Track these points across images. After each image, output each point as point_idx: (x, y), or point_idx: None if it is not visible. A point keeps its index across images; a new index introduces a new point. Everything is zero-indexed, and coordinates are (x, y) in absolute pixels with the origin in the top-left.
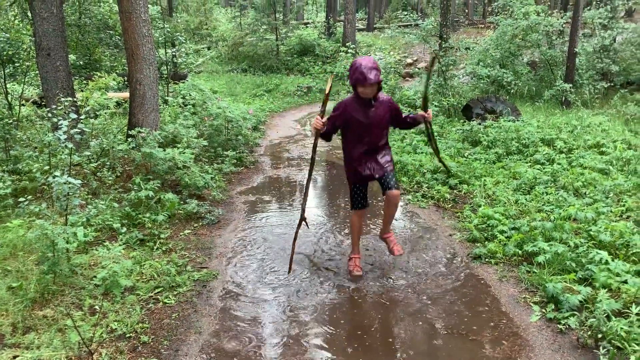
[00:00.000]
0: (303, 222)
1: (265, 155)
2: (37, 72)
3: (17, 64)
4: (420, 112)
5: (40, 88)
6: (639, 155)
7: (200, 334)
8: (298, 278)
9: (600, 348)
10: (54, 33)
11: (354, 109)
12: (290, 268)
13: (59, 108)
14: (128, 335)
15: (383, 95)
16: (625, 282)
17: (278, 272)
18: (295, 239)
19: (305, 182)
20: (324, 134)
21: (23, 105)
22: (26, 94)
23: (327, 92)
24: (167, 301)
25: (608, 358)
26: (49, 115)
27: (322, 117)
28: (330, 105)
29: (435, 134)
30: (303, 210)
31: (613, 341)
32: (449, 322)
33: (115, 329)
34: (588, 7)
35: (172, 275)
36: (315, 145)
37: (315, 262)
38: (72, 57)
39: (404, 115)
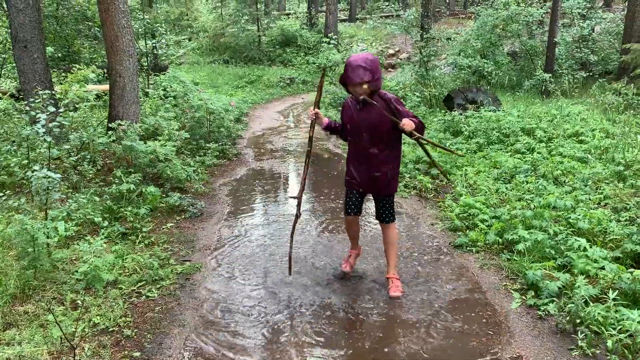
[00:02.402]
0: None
1: (248, 147)
2: (14, 64)
3: None
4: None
5: (18, 81)
6: (616, 144)
7: (183, 326)
8: (283, 267)
9: (579, 333)
10: (30, 25)
11: (349, 108)
12: (290, 269)
13: (37, 101)
14: (111, 329)
15: (384, 94)
16: (603, 268)
17: (262, 265)
18: (292, 236)
19: (301, 179)
20: (337, 131)
21: (0, 98)
22: (3, 87)
23: (319, 84)
24: (150, 295)
25: (586, 343)
26: (27, 108)
27: (314, 108)
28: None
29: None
30: (299, 204)
31: (591, 326)
32: (430, 309)
33: (98, 323)
34: None
35: (155, 268)
36: (310, 137)
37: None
38: (50, 49)
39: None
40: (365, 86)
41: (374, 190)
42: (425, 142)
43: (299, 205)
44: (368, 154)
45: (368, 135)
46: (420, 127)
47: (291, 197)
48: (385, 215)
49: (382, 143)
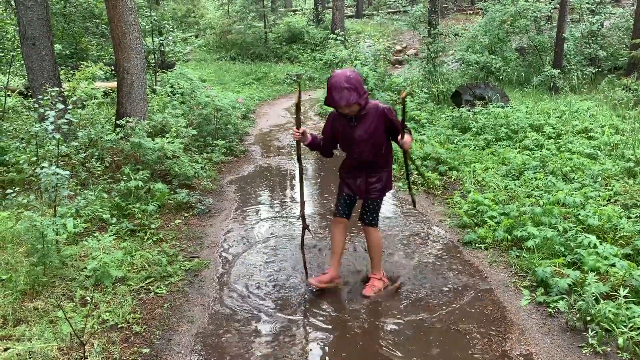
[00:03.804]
0: (307, 230)
1: (256, 144)
2: (23, 62)
3: (2, 54)
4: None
5: (26, 78)
6: (626, 140)
7: (192, 323)
8: (286, 264)
9: (589, 330)
10: (38, 22)
11: (339, 122)
12: (306, 273)
13: (46, 98)
14: (120, 325)
15: (376, 105)
16: (613, 265)
17: (270, 262)
18: (302, 246)
19: (299, 191)
20: (319, 147)
21: (9, 96)
22: (12, 85)
23: (297, 102)
24: (159, 291)
25: (596, 340)
26: (36, 105)
27: (298, 128)
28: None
29: (414, 162)
30: (304, 219)
31: (601, 323)
32: (440, 307)
33: (107, 319)
34: None
35: (163, 265)
36: (299, 155)
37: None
38: (57, 46)
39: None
40: (352, 107)
41: (367, 195)
42: (411, 161)
43: (303, 220)
44: (364, 163)
45: (364, 148)
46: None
47: (297, 217)
48: (367, 217)
49: (377, 152)
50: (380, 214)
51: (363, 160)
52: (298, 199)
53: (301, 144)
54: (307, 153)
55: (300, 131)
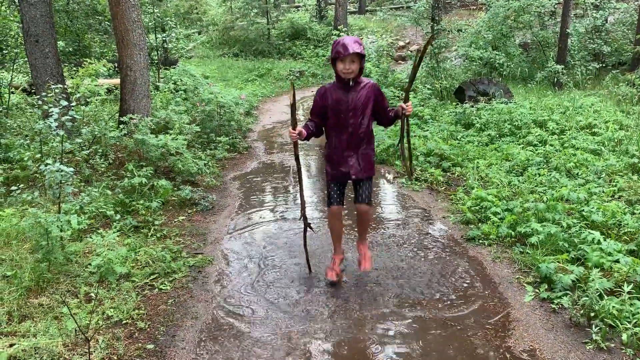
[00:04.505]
0: (308, 228)
1: (259, 140)
2: (26, 59)
3: (5, 51)
4: (400, 104)
5: (30, 75)
6: (630, 136)
7: (196, 319)
8: (290, 260)
9: (593, 326)
10: (41, 19)
11: (333, 92)
12: (309, 268)
13: (49, 95)
14: (124, 321)
15: (366, 79)
16: (617, 261)
17: (274, 258)
18: (305, 243)
19: (299, 190)
20: (313, 134)
21: (12, 93)
22: (15, 82)
23: (291, 102)
24: (163, 287)
25: (600, 336)
26: (39, 102)
27: (294, 128)
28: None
29: (413, 134)
30: (305, 217)
31: (605, 320)
32: (443, 303)
33: (112, 315)
34: None
35: (167, 261)
36: (296, 155)
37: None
38: (61, 43)
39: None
40: (355, 63)
41: (361, 173)
42: (407, 127)
43: (305, 219)
44: (355, 136)
45: (357, 117)
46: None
47: (298, 218)
48: (365, 197)
49: (368, 124)
50: (383, 210)
51: (354, 132)
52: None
53: (298, 143)
54: (309, 150)
55: (297, 131)
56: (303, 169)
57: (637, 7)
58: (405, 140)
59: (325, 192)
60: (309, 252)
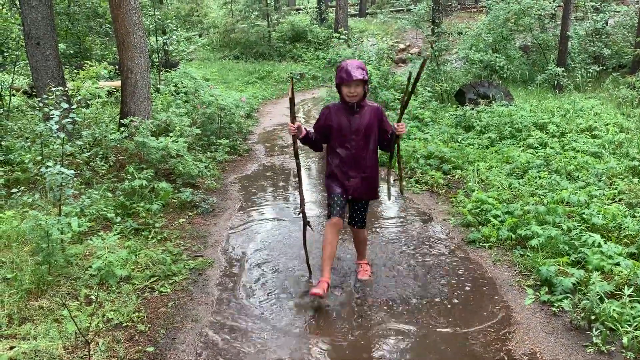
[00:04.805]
0: (308, 226)
1: (259, 143)
2: (27, 61)
3: (6, 54)
4: (393, 123)
5: (31, 78)
6: (630, 139)
7: (196, 322)
8: (290, 264)
9: (593, 330)
10: (43, 21)
11: (337, 114)
12: (310, 272)
13: (50, 98)
14: (125, 324)
15: (370, 102)
16: (618, 264)
17: (274, 260)
18: (305, 243)
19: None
20: (311, 141)
21: (13, 95)
22: (16, 84)
23: (290, 96)
24: (163, 290)
25: (601, 339)
26: (40, 105)
27: (293, 123)
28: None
29: (414, 136)
30: (304, 215)
31: (606, 323)
32: (443, 306)
33: (112, 318)
34: None
35: (167, 264)
36: (296, 151)
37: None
38: (62, 46)
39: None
40: (360, 87)
41: (364, 196)
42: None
43: (304, 216)
44: (358, 158)
45: (360, 141)
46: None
47: (296, 212)
48: (359, 219)
49: (371, 147)
50: (384, 213)
51: (357, 154)
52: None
53: (297, 140)
54: (310, 152)
55: (295, 125)
56: (304, 171)
57: (637, 10)
58: (395, 160)
59: (326, 198)
60: (309, 253)
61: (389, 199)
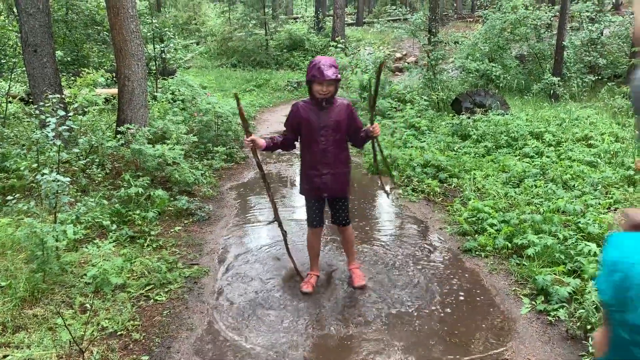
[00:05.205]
0: (283, 232)
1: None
2: (24, 68)
3: (4, 61)
4: (367, 126)
5: (27, 85)
6: (626, 148)
7: (192, 330)
8: (285, 271)
9: (590, 339)
10: (40, 29)
11: (307, 111)
12: (299, 275)
13: (47, 105)
14: (119, 333)
15: (341, 99)
16: None
17: (269, 269)
18: (288, 250)
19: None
20: (277, 146)
21: (10, 102)
22: (13, 91)
23: (239, 110)
24: (158, 298)
25: None
26: (37, 112)
27: (247, 136)
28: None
29: (410, 145)
30: (280, 224)
31: None
32: (439, 314)
33: (107, 326)
34: (576, 1)
35: (163, 272)
36: (258, 163)
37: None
38: (59, 53)
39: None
40: (332, 86)
41: (334, 192)
42: (378, 147)
43: (280, 225)
44: (328, 155)
45: (329, 136)
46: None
47: (270, 222)
48: (343, 218)
49: (340, 144)
50: (380, 221)
51: (327, 150)
52: (298, 205)
53: (257, 151)
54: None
55: (250, 139)
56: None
57: (632, 20)
58: (380, 157)
59: (305, 208)
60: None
61: (397, 187)
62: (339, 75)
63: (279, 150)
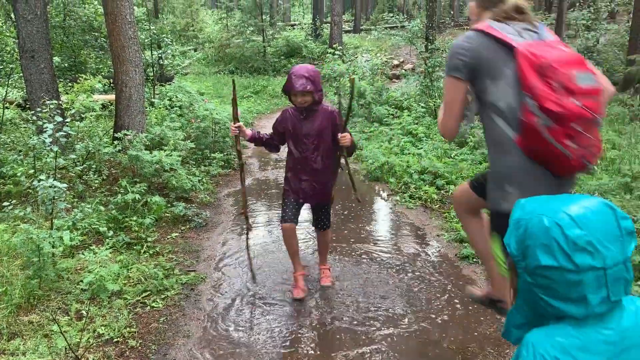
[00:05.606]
0: (249, 229)
1: (253, 157)
2: (21, 74)
3: (1, 67)
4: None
5: (25, 91)
6: (623, 155)
7: (188, 337)
8: (282, 277)
9: None
10: (38, 35)
11: (291, 118)
12: (254, 276)
13: (44, 111)
14: (115, 340)
15: (327, 105)
16: None
17: (266, 275)
18: (247, 247)
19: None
20: (262, 142)
21: (7, 108)
22: (10, 97)
23: (233, 97)
24: (155, 305)
25: None
26: (34, 118)
27: (235, 122)
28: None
29: (408, 151)
30: (247, 218)
31: None
32: (437, 321)
33: (103, 333)
34: (572, 9)
35: (159, 278)
36: (238, 151)
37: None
38: (56, 59)
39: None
40: (307, 96)
41: (315, 200)
42: (347, 167)
43: (246, 218)
44: (310, 164)
45: (310, 145)
46: (353, 148)
47: (239, 214)
48: (324, 223)
49: (324, 153)
50: (377, 227)
51: (308, 158)
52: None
53: (240, 139)
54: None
55: (236, 125)
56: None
57: (628, 28)
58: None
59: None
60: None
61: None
62: (309, 87)
63: (276, 156)
